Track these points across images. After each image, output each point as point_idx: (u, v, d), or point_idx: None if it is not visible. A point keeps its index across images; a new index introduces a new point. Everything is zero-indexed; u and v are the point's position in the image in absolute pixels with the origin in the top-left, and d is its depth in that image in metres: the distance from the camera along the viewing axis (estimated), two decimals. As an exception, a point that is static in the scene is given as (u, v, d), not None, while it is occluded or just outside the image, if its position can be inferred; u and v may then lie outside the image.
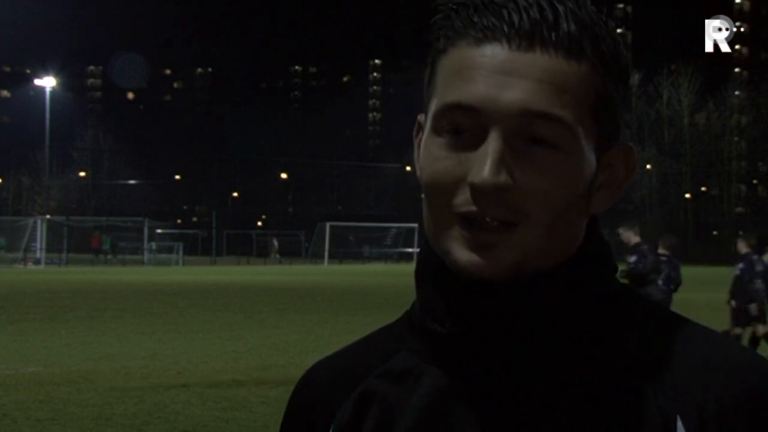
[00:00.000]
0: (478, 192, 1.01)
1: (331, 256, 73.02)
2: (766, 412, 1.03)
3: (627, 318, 1.10)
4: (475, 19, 1.03)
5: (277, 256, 77.98)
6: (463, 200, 1.02)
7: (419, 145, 1.10)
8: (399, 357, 1.12)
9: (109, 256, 70.58)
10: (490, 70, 1.02)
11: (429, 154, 1.05)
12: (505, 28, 1.02)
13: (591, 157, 1.06)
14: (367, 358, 1.16)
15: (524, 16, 1.02)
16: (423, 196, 1.08)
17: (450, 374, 1.08)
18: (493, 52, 1.02)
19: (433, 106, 1.05)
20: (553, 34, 1.02)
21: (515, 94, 1.01)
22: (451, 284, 1.07)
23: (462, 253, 1.03)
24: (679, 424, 1.02)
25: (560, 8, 1.03)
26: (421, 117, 1.12)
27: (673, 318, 1.11)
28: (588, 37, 1.04)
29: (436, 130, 1.05)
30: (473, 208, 1.02)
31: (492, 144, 1.01)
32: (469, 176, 1.01)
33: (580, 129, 1.03)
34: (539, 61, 1.02)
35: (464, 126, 1.03)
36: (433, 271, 1.09)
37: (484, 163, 1.00)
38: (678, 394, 1.03)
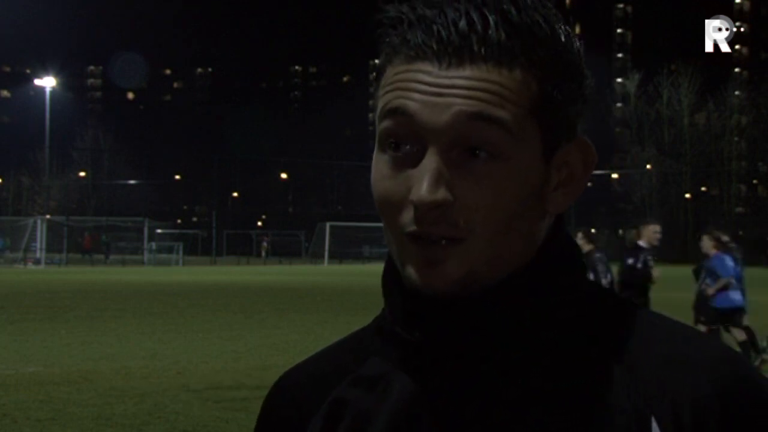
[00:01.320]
0: (418, 210, 1.01)
1: (331, 256, 73.06)
2: (741, 409, 1.02)
3: (597, 318, 1.09)
4: (408, 36, 1.04)
5: (264, 254, 78.57)
6: (408, 220, 1.02)
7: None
8: (370, 363, 1.11)
9: (100, 255, 69.96)
10: (423, 90, 1.02)
11: (376, 171, 1.06)
12: (435, 46, 1.02)
13: (536, 161, 1.05)
14: (339, 364, 1.16)
15: (452, 30, 1.02)
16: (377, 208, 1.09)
17: (418, 381, 1.07)
18: (425, 68, 1.03)
19: (377, 122, 1.06)
20: (483, 48, 1.02)
21: (450, 101, 1.01)
22: (407, 294, 1.07)
23: (411, 270, 1.04)
24: (654, 424, 1.01)
25: (491, 17, 1.02)
26: None
27: (646, 316, 1.10)
28: (521, 43, 1.03)
29: (381, 146, 1.05)
30: (415, 227, 1.02)
31: (429, 160, 1.01)
32: (410, 195, 1.01)
33: (520, 132, 1.02)
34: (471, 74, 1.02)
35: (402, 138, 1.03)
36: (397, 280, 1.09)
37: (422, 181, 1.00)
38: (652, 394, 1.02)
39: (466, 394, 1.05)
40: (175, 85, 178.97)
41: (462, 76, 1.02)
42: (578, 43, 1.08)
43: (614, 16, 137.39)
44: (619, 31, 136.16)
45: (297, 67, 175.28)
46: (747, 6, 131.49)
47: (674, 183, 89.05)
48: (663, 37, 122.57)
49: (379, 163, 1.06)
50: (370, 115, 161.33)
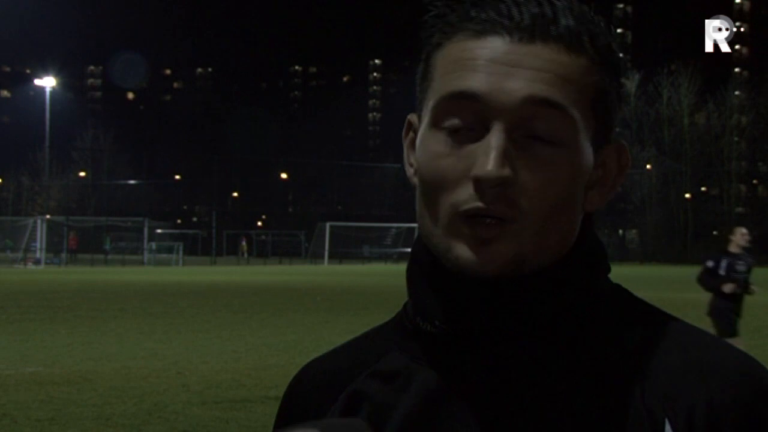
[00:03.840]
0: (482, 185, 1.00)
1: (331, 256, 73.06)
2: (756, 417, 1.01)
3: (619, 318, 1.09)
4: (473, 13, 1.04)
5: (245, 255, 79.00)
6: (465, 197, 1.02)
7: (411, 145, 1.11)
8: (389, 357, 1.12)
9: (86, 255, 68.88)
10: (492, 61, 1.02)
11: (428, 151, 1.05)
12: (506, 22, 1.02)
13: (589, 153, 1.06)
14: (358, 358, 1.15)
15: (523, 10, 1.03)
16: (418, 193, 1.07)
17: (440, 374, 1.07)
18: (494, 44, 1.02)
19: (432, 100, 1.05)
20: (553, 28, 1.03)
21: (518, 83, 1.01)
22: (444, 282, 1.06)
23: (463, 250, 1.03)
24: (667, 426, 1.01)
25: (558, 3, 1.04)
26: (412, 117, 1.12)
27: (665, 319, 1.10)
28: (586, 31, 1.04)
29: (436, 124, 1.04)
30: (477, 203, 1.01)
31: (495, 136, 1.01)
32: (473, 170, 1.01)
33: (581, 121, 1.03)
34: (541, 52, 1.02)
35: (465, 118, 1.02)
36: (426, 269, 1.08)
37: (488, 156, 1.00)
38: (667, 396, 1.02)
39: (488, 387, 1.06)
40: (175, 85, 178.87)
41: (533, 53, 1.02)
42: (621, 52, 1.09)
43: (614, 16, 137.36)
44: (619, 31, 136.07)
45: (297, 67, 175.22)
46: (747, 6, 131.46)
47: (674, 183, 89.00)
48: (663, 37, 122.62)
49: (431, 143, 1.04)
50: (370, 115, 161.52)
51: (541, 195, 1.02)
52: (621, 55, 1.09)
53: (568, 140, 1.03)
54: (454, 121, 1.02)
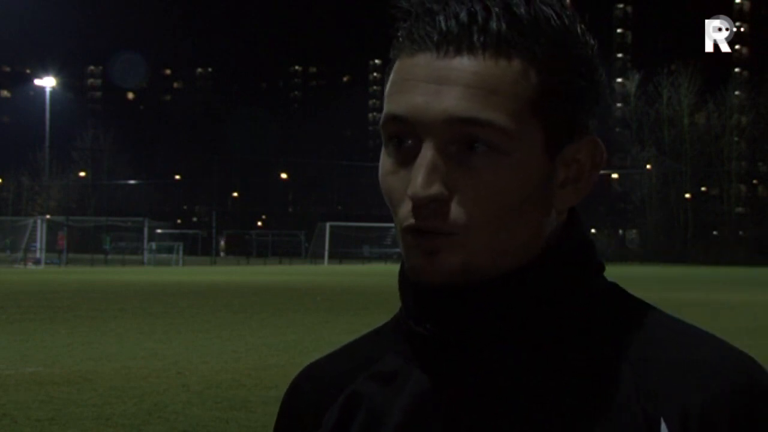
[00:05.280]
0: (414, 204, 1.02)
1: (331, 256, 73.06)
2: (751, 411, 1.01)
3: (612, 316, 1.09)
4: (413, 30, 1.05)
5: (223, 254, 79.40)
6: (405, 214, 1.04)
7: None
8: (387, 359, 1.13)
9: (74, 255, 68.34)
10: (422, 80, 1.03)
11: (382, 168, 1.08)
12: (435, 36, 1.03)
13: (536, 156, 1.05)
14: (357, 360, 1.17)
15: (453, 21, 1.03)
16: None
17: (432, 376, 1.08)
18: (425, 61, 1.04)
19: (381, 119, 1.08)
20: (482, 36, 1.02)
21: (443, 102, 1.02)
22: (419, 289, 1.08)
23: (414, 261, 1.05)
24: (663, 426, 1.01)
25: (494, 9, 1.03)
26: None
27: (660, 317, 1.10)
28: (522, 34, 1.03)
29: (385, 143, 1.07)
30: (411, 221, 1.03)
31: (424, 155, 1.02)
32: (408, 189, 1.03)
33: (519, 129, 1.03)
34: (467, 65, 1.02)
35: (403, 137, 1.05)
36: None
37: (417, 176, 1.02)
38: (662, 396, 1.02)
39: (474, 388, 1.06)
40: (175, 85, 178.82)
41: (459, 67, 1.02)
42: (593, 42, 1.08)
43: (614, 16, 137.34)
44: (619, 31, 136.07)
45: (297, 67, 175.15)
46: (747, 6, 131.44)
47: (674, 183, 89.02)
48: (663, 37, 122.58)
49: (384, 159, 1.08)
50: (370, 115, 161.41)
51: (482, 205, 1.02)
52: (589, 45, 1.07)
53: (506, 149, 1.02)
54: (395, 141, 1.05)
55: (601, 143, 1.10)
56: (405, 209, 1.04)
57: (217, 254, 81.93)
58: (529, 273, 1.06)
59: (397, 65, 1.07)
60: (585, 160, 1.09)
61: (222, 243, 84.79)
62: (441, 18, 1.04)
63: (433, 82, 1.03)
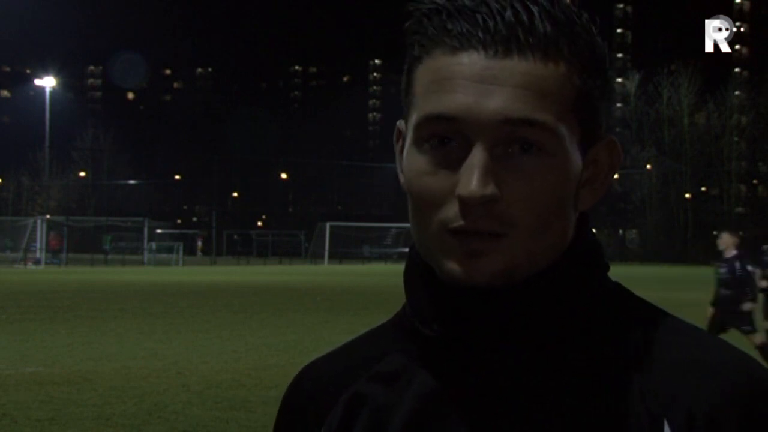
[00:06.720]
0: (466, 205, 1.01)
1: (331, 256, 73.08)
2: (755, 414, 1.01)
3: (617, 317, 1.09)
4: (449, 26, 1.02)
5: (200, 253, 79.71)
6: (452, 215, 1.02)
7: (401, 152, 1.10)
8: (390, 359, 1.12)
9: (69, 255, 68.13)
10: (469, 80, 1.01)
11: (413, 168, 1.05)
12: (481, 35, 1.01)
13: (577, 157, 1.05)
14: (357, 360, 1.16)
15: (498, 20, 1.01)
16: (410, 205, 1.08)
17: (438, 377, 1.08)
18: (471, 61, 1.01)
19: (414, 118, 1.05)
20: (530, 38, 1.01)
21: (495, 102, 1.00)
22: (439, 288, 1.06)
23: (452, 263, 1.03)
24: (666, 427, 1.01)
25: (534, 9, 1.02)
26: (400, 123, 1.12)
27: (664, 318, 1.10)
28: (564, 36, 1.03)
29: (418, 143, 1.04)
30: (463, 222, 1.01)
31: (477, 155, 1.01)
32: (458, 189, 1.01)
33: (564, 130, 1.03)
34: (517, 66, 1.01)
35: (446, 137, 1.02)
36: (421, 274, 1.09)
37: (470, 176, 1.00)
38: (666, 396, 1.02)
39: (486, 390, 1.06)
40: (175, 85, 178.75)
41: (509, 69, 1.01)
42: (603, 41, 1.08)
43: (614, 16, 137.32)
44: (619, 31, 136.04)
45: (297, 67, 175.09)
46: (747, 6, 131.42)
47: (674, 183, 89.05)
48: (663, 37, 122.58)
49: (416, 160, 1.05)
50: (370, 115, 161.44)
51: (530, 206, 1.02)
52: (604, 47, 1.08)
53: (553, 150, 1.02)
54: (436, 141, 1.03)
55: (618, 144, 1.11)
56: (450, 210, 1.02)
57: (194, 254, 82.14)
58: (556, 274, 1.06)
59: (429, 63, 1.04)
60: (604, 161, 1.10)
61: (199, 243, 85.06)
62: (482, 16, 1.02)
63: (483, 82, 1.01)
